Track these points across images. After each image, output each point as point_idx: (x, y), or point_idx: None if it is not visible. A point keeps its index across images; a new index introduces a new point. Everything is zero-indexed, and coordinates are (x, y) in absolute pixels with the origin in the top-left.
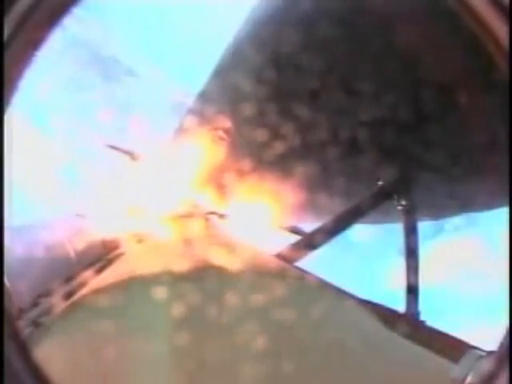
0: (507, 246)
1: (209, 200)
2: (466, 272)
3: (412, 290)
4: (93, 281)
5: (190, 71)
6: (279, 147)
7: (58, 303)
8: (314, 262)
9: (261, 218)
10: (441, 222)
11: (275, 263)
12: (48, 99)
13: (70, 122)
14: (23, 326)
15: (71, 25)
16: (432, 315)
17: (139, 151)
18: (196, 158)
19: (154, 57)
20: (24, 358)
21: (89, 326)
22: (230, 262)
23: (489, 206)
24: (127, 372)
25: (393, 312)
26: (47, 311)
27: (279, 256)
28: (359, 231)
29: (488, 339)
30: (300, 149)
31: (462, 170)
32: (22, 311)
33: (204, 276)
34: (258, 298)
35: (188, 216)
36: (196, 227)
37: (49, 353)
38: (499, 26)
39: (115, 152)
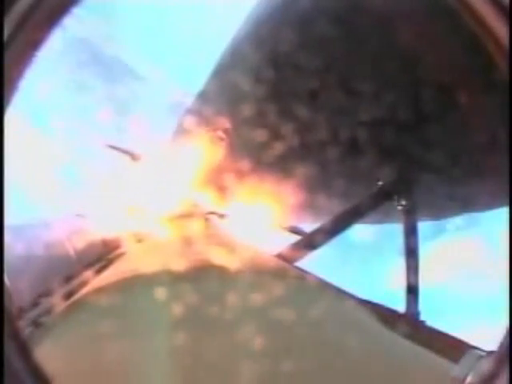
0: (507, 246)
1: (208, 200)
2: (466, 272)
3: (412, 290)
4: (93, 280)
5: (189, 71)
6: (279, 147)
7: (58, 303)
8: (313, 262)
9: (261, 218)
10: (441, 222)
11: (275, 263)
12: (48, 99)
13: (70, 122)
14: (23, 325)
15: (71, 25)
16: (432, 315)
17: (139, 151)
18: (196, 157)
19: (153, 57)
20: (24, 358)
21: (89, 325)
22: (230, 262)
23: (489, 206)
24: (127, 372)
25: (393, 312)
26: (47, 311)
27: (279, 256)
28: (359, 231)
29: (488, 339)
30: (299, 149)
31: (462, 170)
32: (22, 311)
33: (204, 276)
34: (257, 298)
35: (188, 216)
36: (196, 227)
37: (49, 353)
38: (499, 26)
39: (115, 152)
